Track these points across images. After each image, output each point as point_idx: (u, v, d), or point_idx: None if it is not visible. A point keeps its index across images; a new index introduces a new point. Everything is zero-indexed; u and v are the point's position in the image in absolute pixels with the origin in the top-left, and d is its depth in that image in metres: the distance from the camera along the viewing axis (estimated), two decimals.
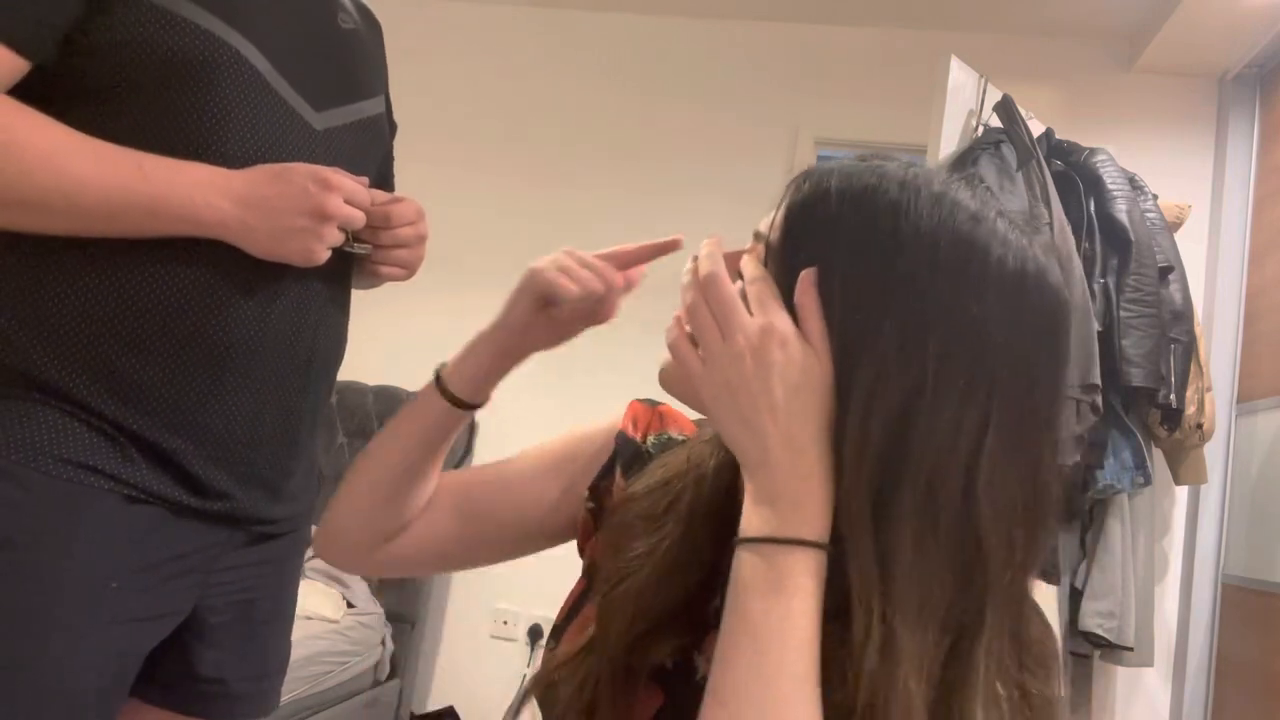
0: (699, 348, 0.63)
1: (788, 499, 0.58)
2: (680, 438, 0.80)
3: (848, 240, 0.61)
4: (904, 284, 0.59)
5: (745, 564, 0.58)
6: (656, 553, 0.68)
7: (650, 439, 0.81)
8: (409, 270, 1.13)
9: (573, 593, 0.79)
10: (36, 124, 0.89)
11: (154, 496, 0.94)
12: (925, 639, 0.56)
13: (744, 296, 0.62)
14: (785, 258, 0.62)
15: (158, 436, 0.94)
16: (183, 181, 0.92)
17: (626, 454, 0.80)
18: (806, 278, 0.60)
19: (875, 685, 0.55)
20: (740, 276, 0.64)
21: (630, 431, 0.82)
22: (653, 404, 0.84)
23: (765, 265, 0.63)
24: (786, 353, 0.59)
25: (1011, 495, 0.59)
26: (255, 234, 0.94)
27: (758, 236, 0.66)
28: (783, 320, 0.60)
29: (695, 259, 0.65)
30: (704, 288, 0.62)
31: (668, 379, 0.68)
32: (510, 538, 0.84)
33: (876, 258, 0.59)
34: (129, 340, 0.93)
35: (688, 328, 0.64)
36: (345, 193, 0.97)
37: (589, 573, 0.79)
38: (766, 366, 0.59)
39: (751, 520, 0.59)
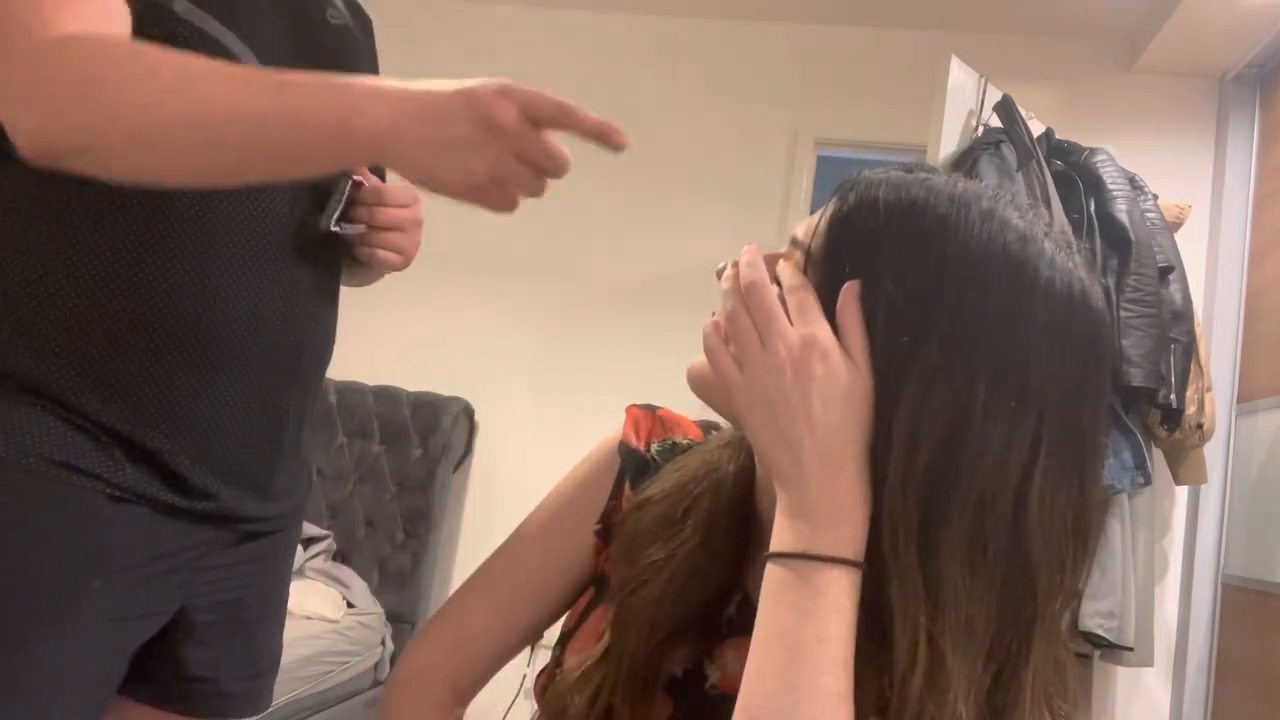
0: (736, 354, 0.61)
1: (823, 515, 0.57)
2: (686, 442, 0.79)
3: (894, 253, 0.59)
4: (951, 302, 0.58)
5: (776, 579, 0.57)
6: (675, 559, 0.67)
7: (654, 446, 0.79)
8: (404, 257, 1.10)
9: (579, 601, 0.78)
10: (157, 52, 0.81)
11: (138, 496, 0.93)
12: (974, 665, 0.56)
13: (782, 304, 0.61)
14: (826, 267, 0.62)
15: (142, 435, 0.93)
16: (335, 91, 0.78)
17: (632, 465, 0.79)
18: (850, 290, 0.59)
19: (923, 709, 0.54)
20: (777, 282, 0.62)
21: (632, 441, 0.80)
22: (650, 408, 0.82)
23: (805, 273, 0.62)
24: (827, 366, 0.58)
25: (1062, 519, 0.58)
26: (407, 145, 0.76)
27: (796, 243, 0.65)
28: (825, 332, 0.59)
29: (734, 264, 0.64)
30: (746, 294, 0.61)
31: (698, 381, 0.67)
32: (551, 617, 0.80)
33: (924, 273, 0.59)
34: (114, 337, 0.92)
35: (726, 335, 0.62)
36: (522, 102, 0.74)
37: (597, 581, 0.78)
38: (806, 379, 0.58)
39: (784, 535, 0.58)
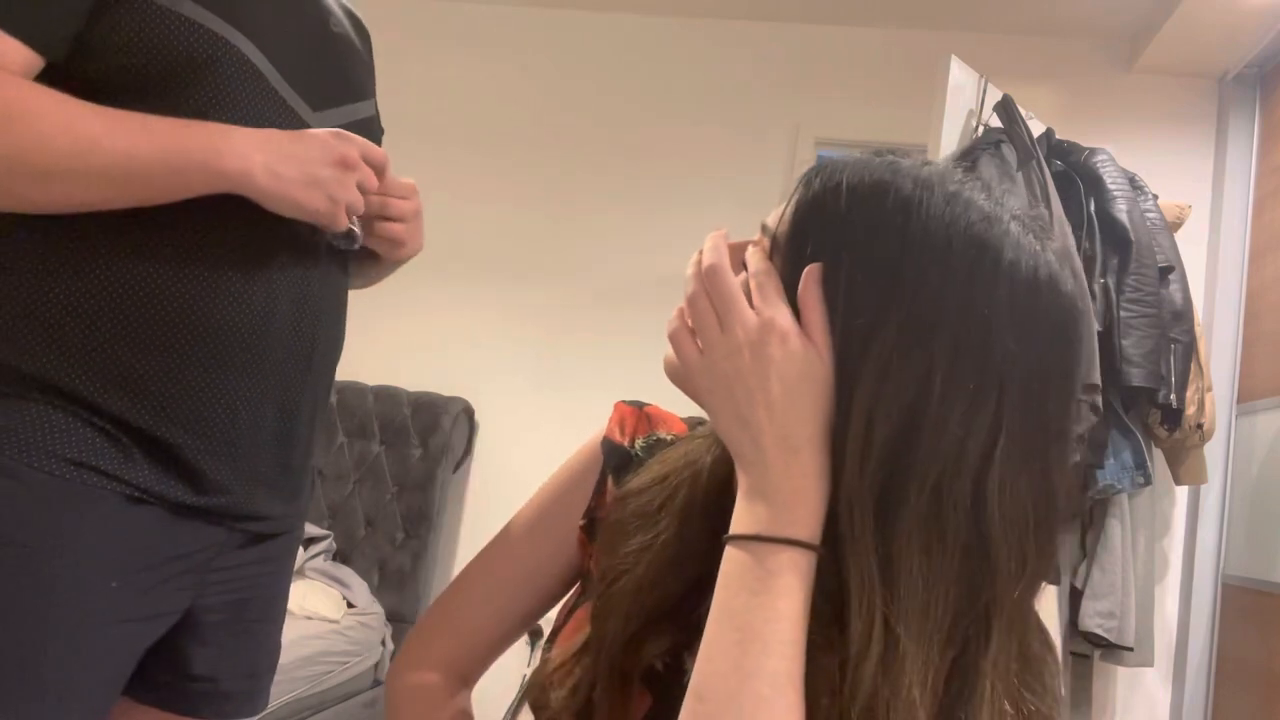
0: (698, 338, 0.62)
1: (780, 497, 0.57)
2: (670, 438, 0.79)
3: (856, 234, 0.59)
4: (912, 282, 0.57)
5: (733, 560, 0.57)
6: (652, 549, 0.67)
7: (639, 442, 0.79)
8: (409, 248, 1.12)
9: (568, 598, 0.79)
10: (45, 94, 0.89)
11: (154, 496, 0.95)
12: (930, 650, 0.55)
13: (747, 290, 0.61)
14: (792, 252, 0.61)
15: (159, 430, 0.94)
16: (203, 133, 0.92)
17: (614, 461, 0.79)
18: (811, 273, 0.59)
19: (875, 694, 0.54)
20: (745, 269, 0.63)
21: (617, 437, 0.80)
22: (639, 405, 0.83)
23: (771, 259, 0.62)
24: (786, 349, 0.58)
25: (1022, 505, 0.57)
26: (281, 182, 0.93)
27: (764, 229, 0.65)
28: (784, 315, 0.59)
29: (700, 251, 0.64)
30: (706, 278, 0.61)
31: (668, 368, 0.67)
32: (542, 609, 0.81)
33: (884, 254, 0.58)
34: (132, 334, 0.93)
35: (689, 319, 0.63)
36: (361, 148, 0.99)
37: (584, 577, 0.78)
38: (765, 361, 0.58)
39: (742, 517, 0.58)
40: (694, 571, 0.66)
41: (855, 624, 0.55)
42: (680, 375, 0.65)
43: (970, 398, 0.56)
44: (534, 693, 0.71)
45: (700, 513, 0.67)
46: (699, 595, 0.65)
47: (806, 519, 0.57)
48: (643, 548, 0.68)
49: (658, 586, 0.66)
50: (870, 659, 0.54)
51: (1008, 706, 0.57)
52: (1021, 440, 0.57)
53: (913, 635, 0.55)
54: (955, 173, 0.62)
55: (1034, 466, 0.58)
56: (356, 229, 1.04)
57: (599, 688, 0.66)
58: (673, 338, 0.64)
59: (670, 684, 0.66)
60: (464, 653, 0.81)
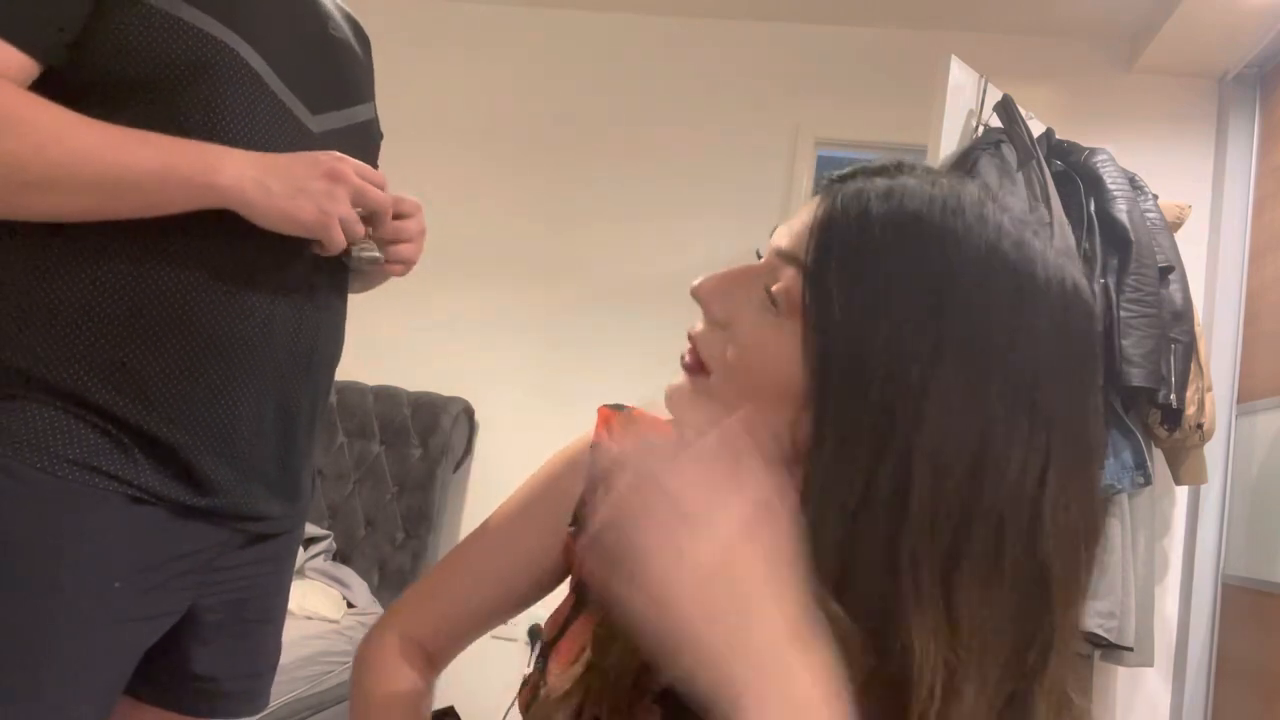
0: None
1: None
2: None
3: (897, 277, 0.55)
4: (960, 327, 0.54)
5: None
6: None
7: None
8: (409, 266, 1.13)
9: (560, 608, 0.76)
10: (41, 104, 0.89)
11: (156, 497, 0.95)
12: (991, 688, 0.53)
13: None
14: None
15: (160, 430, 0.95)
16: (195, 148, 0.92)
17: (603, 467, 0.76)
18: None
19: None
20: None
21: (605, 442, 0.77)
22: (622, 408, 0.80)
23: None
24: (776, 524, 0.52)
25: (1074, 524, 0.56)
26: (272, 196, 0.93)
27: (782, 255, 0.61)
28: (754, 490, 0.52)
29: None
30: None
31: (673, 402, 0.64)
32: (513, 609, 0.80)
33: (929, 298, 0.55)
34: (133, 335, 0.94)
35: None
36: (354, 167, 0.99)
37: (577, 589, 0.75)
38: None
39: None
40: None
41: (921, 678, 0.52)
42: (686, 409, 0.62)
43: (1026, 428, 0.54)
44: (536, 717, 0.69)
45: None
46: None
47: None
48: None
49: None
50: (935, 708, 0.52)
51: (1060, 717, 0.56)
52: (1070, 456, 0.56)
53: (972, 679, 0.53)
54: (971, 190, 0.59)
55: (1081, 481, 0.57)
56: (377, 251, 1.06)
57: (605, 710, 0.64)
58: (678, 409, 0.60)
59: (682, 701, 0.65)
60: (434, 636, 0.81)
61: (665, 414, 0.78)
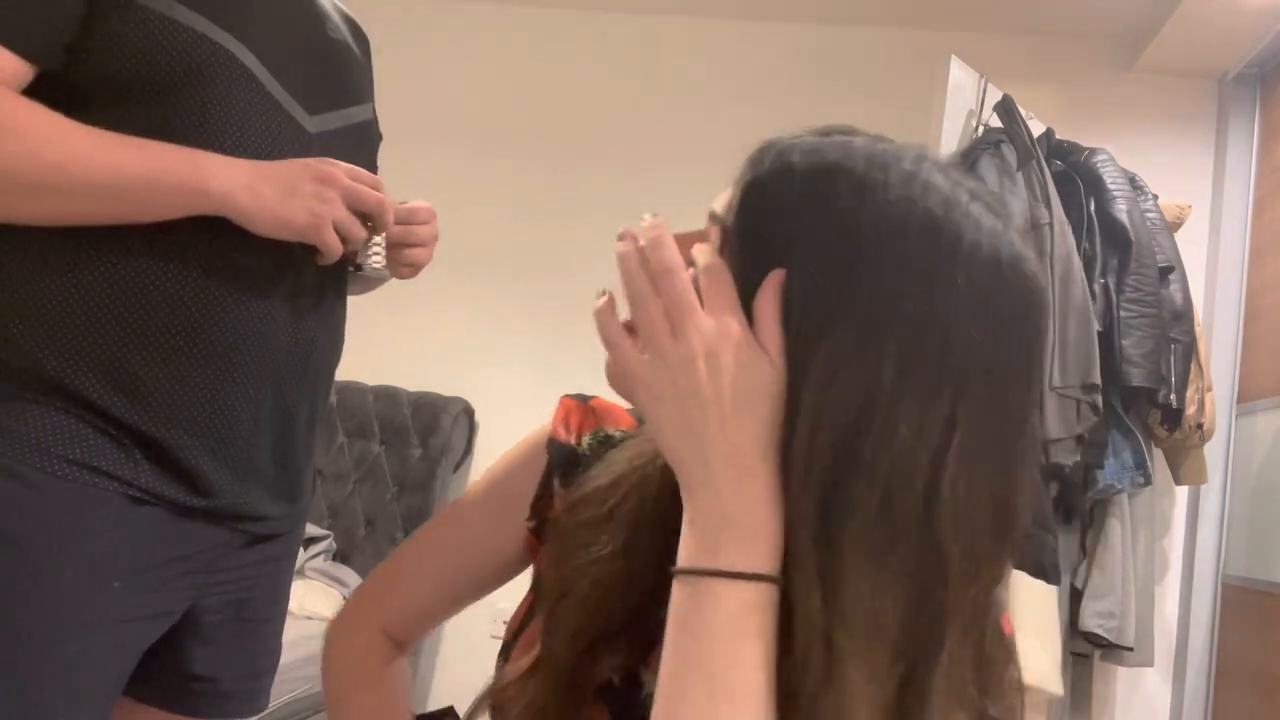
0: (640, 340, 0.57)
1: (735, 526, 0.52)
2: (618, 434, 0.75)
3: (808, 227, 0.55)
4: (867, 276, 0.53)
5: (690, 597, 0.52)
6: (599, 562, 0.63)
7: (586, 438, 0.75)
8: (417, 270, 1.15)
9: (520, 607, 0.75)
10: (35, 109, 0.89)
11: (157, 498, 0.95)
12: (876, 666, 0.51)
13: (696, 286, 0.56)
14: (741, 246, 0.57)
15: (160, 431, 0.95)
16: (186, 155, 0.93)
17: (560, 461, 0.75)
18: (773, 281, 0.54)
19: (819, 717, 0.50)
20: (692, 264, 0.58)
21: (562, 435, 0.76)
22: (584, 399, 0.78)
23: (720, 252, 0.58)
24: (739, 358, 0.53)
25: (979, 502, 0.53)
26: (263, 201, 0.94)
27: (713, 218, 0.61)
28: (737, 321, 0.54)
29: (633, 239, 0.60)
30: (657, 279, 0.57)
31: (612, 378, 0.62)
32: (479, 592, 0.81)
33: (838, 247, 0.53)
34: (133, 336, 0.94)
35: (635, 320, 0.57)
36: (344, 169, 1.00)
37: (536, 586, 0.75)
38: (719, 373, 0.53)
39: (694, 548, 0.53)
40: (645, 585, 0.61)
41: (798, 644, 0.51)
42: (622, 382, 0.60)
43: (924, 394, 0.52)
44: (493, 714, 0.69)
45: (650, 521, 0.63)
46: (653, 606, 0.61)
47: (767, 549, 0.52)
48: (590, 560, 0.64)
49: (608, 601, 0.63)
50: (813, 680, 0.51)
51: (964, 717, 0.54)
52: (978, 433, 0.53)
53: (858, 653, 0.51)
54: (911, 150, 0.57)
55: (993, 462, 0.54)
56: (379, 258, 1.06)
57: (553, 705, 0.63)
58: (610, 341, 0.59)
59: (627, 698, 0.64)
60: (399, 621, 0.82)
61: (627, 406, 0.77)
